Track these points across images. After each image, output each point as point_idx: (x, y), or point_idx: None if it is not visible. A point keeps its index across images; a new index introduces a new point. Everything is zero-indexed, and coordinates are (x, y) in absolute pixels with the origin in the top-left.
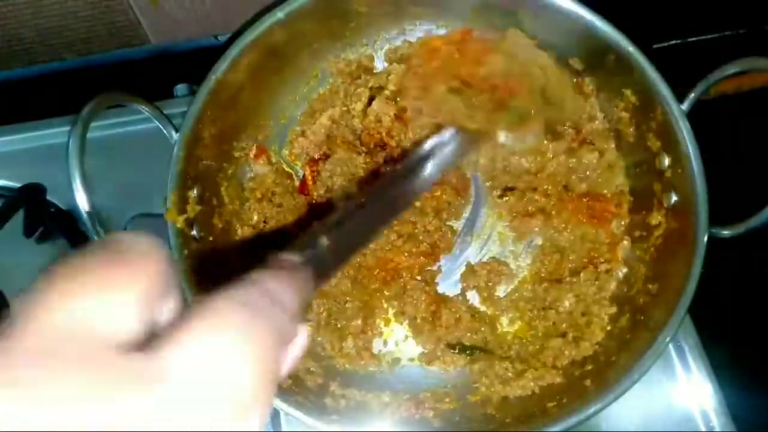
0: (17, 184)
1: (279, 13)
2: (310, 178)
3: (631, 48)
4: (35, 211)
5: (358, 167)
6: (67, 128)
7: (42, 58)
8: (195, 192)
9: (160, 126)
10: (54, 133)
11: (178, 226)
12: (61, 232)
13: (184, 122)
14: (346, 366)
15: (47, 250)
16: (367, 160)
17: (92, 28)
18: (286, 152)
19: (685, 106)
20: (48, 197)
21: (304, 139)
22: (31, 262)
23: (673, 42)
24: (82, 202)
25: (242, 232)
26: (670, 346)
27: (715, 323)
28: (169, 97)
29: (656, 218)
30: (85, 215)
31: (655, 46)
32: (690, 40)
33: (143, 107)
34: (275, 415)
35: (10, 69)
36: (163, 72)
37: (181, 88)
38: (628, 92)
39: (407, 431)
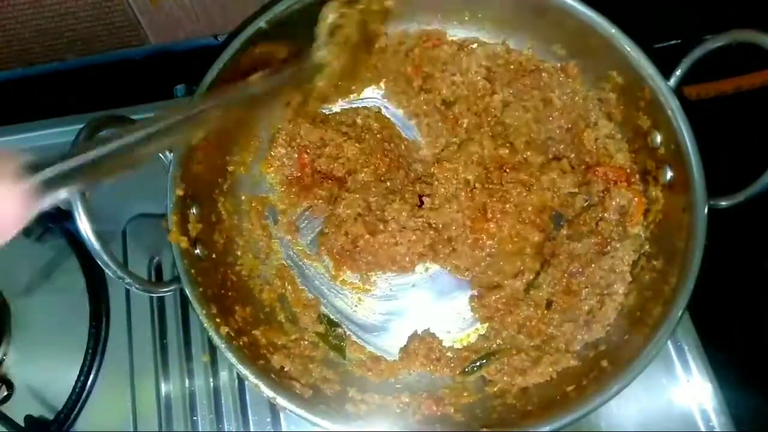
0: None
1: (261, 23)
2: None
3: (613, 30)
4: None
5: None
6: (67, 128)
7: (42, 58)
8: (194, 210)
9: None
10: (54, 133)
11: (183, 246)
12: (60, 232)
13: None
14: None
15: (47, 250)
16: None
17: (92, 28)
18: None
19: (672, 83)
20: None
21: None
22: (30, 262)
23: (673, 42)
24: (85, 228)
25: (243, 245)
26: (670, 346)
27: (715, 323)
28: (169, 97)
29: (653, 194)
30: (87, 240)
31: (655, 46)
32: (690, 39)
33: None
34: (275, 414)
35: (10, 69)
36: (163, 72)
37: (180, 89)
38: (613, 73)
39: (416, 431)
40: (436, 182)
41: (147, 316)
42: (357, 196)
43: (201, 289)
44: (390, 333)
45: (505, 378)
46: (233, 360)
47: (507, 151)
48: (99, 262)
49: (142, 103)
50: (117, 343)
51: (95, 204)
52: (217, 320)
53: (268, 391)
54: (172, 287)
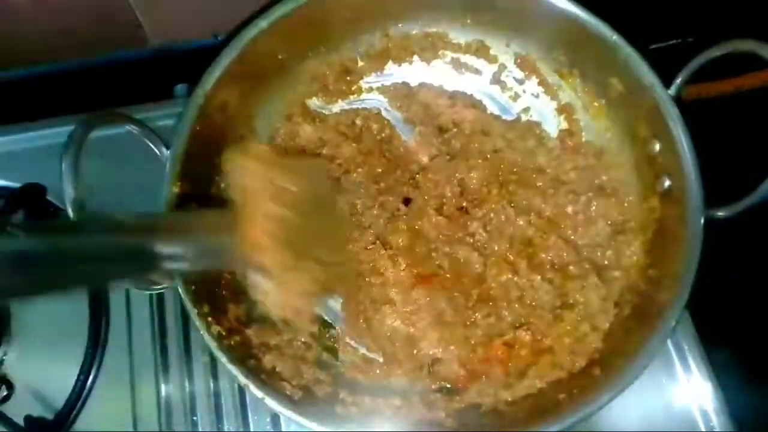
0: (17, 184)
1: (262, 22)
2: None
3: (615, 36)
4: (35, 211)
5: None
6: (67, 128)
7: (42, 58)
8: (191, 209)
9: (150, 144)
10: (54, 133)
11: None
12: None
13: (174, 139)
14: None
15: None
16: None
17: (92, 28)
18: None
19: (672, 91)
20: (48, 197)
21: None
22: None
23: (672, 42)
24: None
25: None
26: (670, 346)
27: (715, 323)
28: (169, 97)
29: (650, 204)
30: None
31: (652, 47)
32: (688, 40)
33: (132, 126)
34: (275, 415)
35: (10, 69)
36: (162, 72)
37: (180, 88)
38: (614, 81)
39: (409, 431)
40: (417, 190)
41: (147, 316)
42: (344, 198)
43: (194, 287)
44: None
45: (487, 397)
46: (224, 359)
47: (495, 192)
48: None
49: (142, 102)
50: (117, 343)
51: (92, 204)
52: (209, 319)
53: (257, 392)
54: (164, 285)
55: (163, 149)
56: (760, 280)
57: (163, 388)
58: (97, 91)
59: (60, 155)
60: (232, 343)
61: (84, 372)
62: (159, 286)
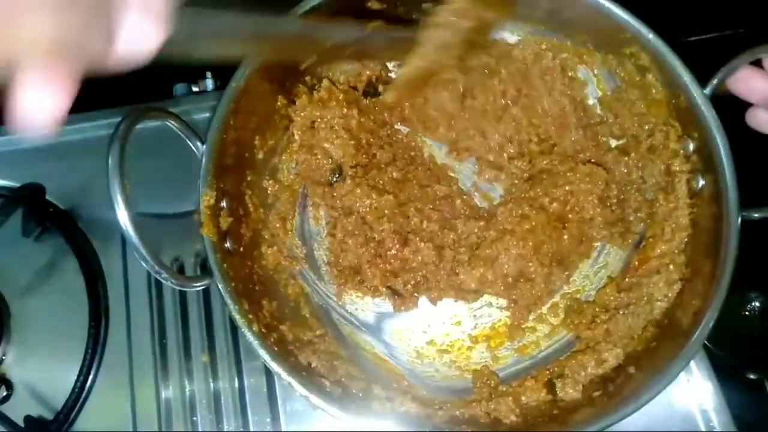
0: (17, 184)
1: (293, 16)
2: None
3: (650, 35)
4: (34, 211)
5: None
6: (67, 128)
7: None
8: (224, 203)
9: (186, 138)
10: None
11: (214, 239)
12: (59, 232)
13: (210, 133)
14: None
15: (45, 249)
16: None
17: None
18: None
19: (707, 91)
20: (47, 197)
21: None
22: (29, 262)
23: (704, 36)
24: (124, 220)
25: (269, 238)
26: None
27: (715, 323)
28: (169, 97)
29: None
30: (126, 232)
31: (683, 40)
32: (726, 33)
33: (171, 122)
34: (275, 415)
35: None
36: (162, 71)
37: (180, 88)
38: (650, 77)
39: (409, 431)
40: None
41: (146, 316)
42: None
43: (233, 284)
44: (385, 333)
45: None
46: (266, 357)
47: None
48: (136, 255)
49: (141, 102)
50: (116, 343)
51: (92, 205)
52: (250, 316)
53: (301, 390)
54: (204, 282)
55: (198, 144)
56: (761, 278)
57: (162, 388)
58: (97, 90)
59: (64, 145)
60: (272, 340)
61: (83, 372)
62: (200, 283)
